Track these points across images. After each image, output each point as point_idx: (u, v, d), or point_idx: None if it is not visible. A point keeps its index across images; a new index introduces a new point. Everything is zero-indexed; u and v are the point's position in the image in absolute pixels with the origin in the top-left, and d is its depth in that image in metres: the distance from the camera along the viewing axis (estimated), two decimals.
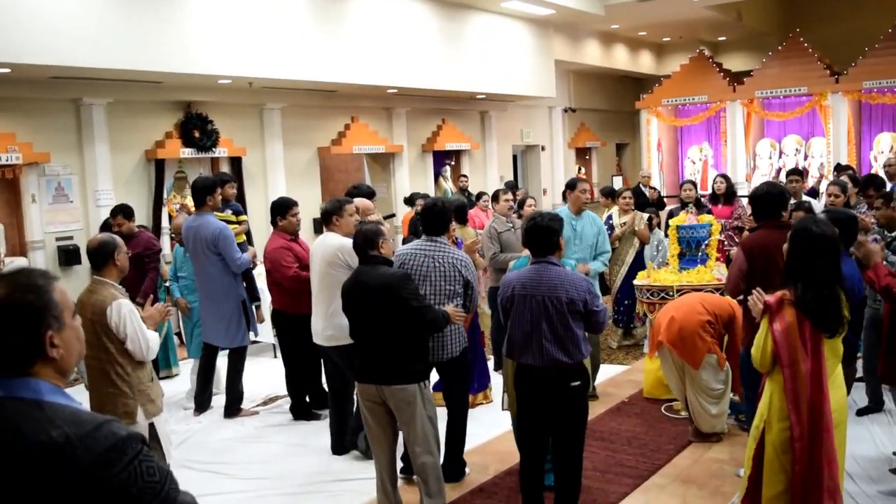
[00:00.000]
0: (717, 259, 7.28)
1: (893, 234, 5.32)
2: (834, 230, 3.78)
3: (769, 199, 4.89)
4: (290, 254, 6.37)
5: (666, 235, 7.64)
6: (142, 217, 9.74)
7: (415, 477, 4.79)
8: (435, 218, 5.15)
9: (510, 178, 16.51)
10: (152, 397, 4.34)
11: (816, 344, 3.63)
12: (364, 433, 5.71)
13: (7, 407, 1.69)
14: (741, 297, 4.60)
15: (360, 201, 6.29)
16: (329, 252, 5.56)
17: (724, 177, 9.91)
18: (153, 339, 4.32)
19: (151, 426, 4.28)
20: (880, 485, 4.97)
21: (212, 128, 10.41)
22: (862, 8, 16.89)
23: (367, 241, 4.62)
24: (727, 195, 9.51)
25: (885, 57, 14.38)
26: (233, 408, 6.95)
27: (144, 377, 4.32)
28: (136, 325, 4.21)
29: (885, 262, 4.52)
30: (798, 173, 9.29)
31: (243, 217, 8.14)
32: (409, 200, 11.38)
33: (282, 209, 6.53)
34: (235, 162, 10.92)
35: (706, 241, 7.20)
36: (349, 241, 5.47)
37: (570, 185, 7.22)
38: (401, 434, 4.74)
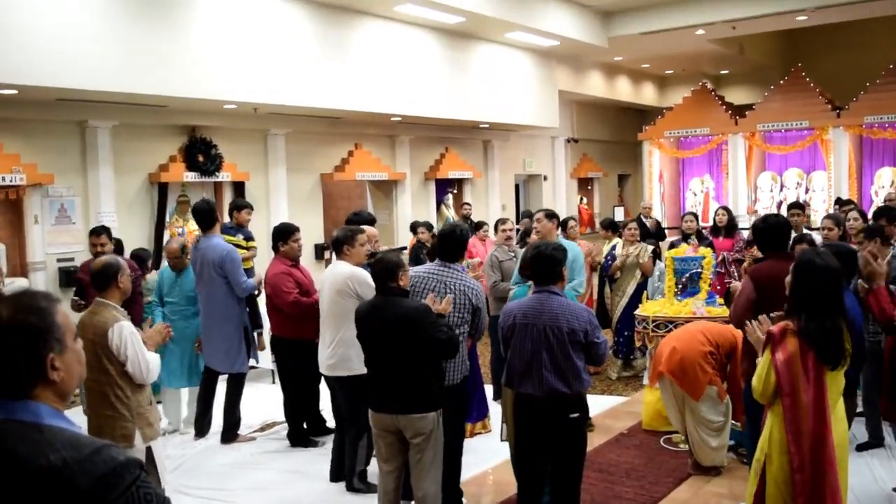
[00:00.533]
0: (713, 290, 7.28)
1: None
2: (836, 262, 3.79)
3: (776, 229, 4.90)
4: (290, 279, 6.37)
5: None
6: (144, 240, 9.77)
7: None
8: (452, 244, 5.14)
9: (512, 207, 16.57)
10: (150, 421, 4.33)
11: (819, 375, 3.62)
12: (357, 476, 5.69)
13: (6, 429, 1.69)
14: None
15: (369, 230, 6.28)
16: (339, 280, 5.51)
17: (726, 209, 9.93)
18: (154, 362, 4.32)
19: (148, 450, 4.26)
20: None
21: (216, 152, 10.46)
22: (863, 43, 17.04)
23: (387, 271, 4.54)
24: (728, 227, 9.53)
25: (886, 92, 14.48)
26: (230, 433, 6.90)
27: (143, 400, 4.31)
28: (137, 348, 4.21)
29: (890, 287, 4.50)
30: (799, 207, 9.29)
31: (253, 244, 8.21)
32: (412, 228, 11.40)
33: (284, 234, 6.53)
34: (238, 187, 10.95)
35: (700, 275, 7.22)
36: (360, 271, 5.50)
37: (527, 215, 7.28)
38: None
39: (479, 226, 10.95)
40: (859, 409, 6.03)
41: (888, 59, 14.98)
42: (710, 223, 10.43)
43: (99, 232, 7.14)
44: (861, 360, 4.56)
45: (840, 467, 3.65)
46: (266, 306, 6.74)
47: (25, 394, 1.73)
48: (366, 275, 5.43)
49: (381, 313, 4.49)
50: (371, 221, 6.95)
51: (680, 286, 7.22)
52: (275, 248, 6.59)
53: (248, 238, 7.97)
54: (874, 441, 6.06)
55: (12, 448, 1.65)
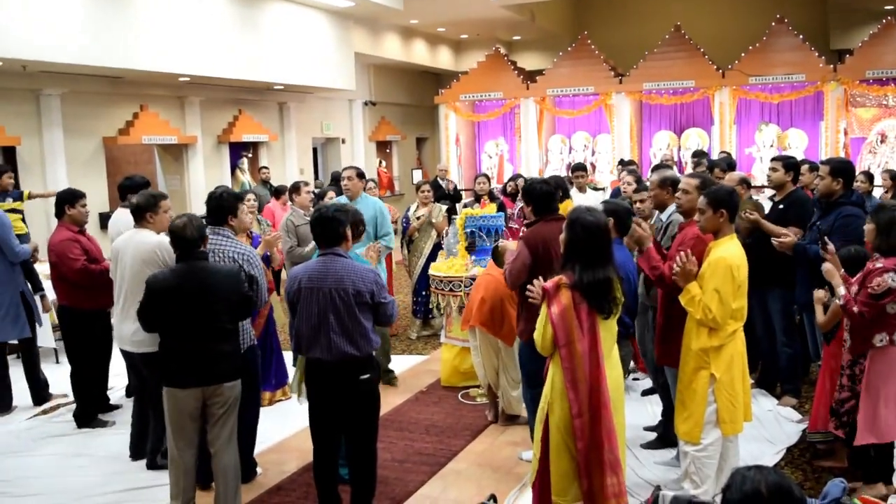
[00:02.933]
0: None
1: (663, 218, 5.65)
2: (605, 218, 4.02)
3: (544, 193, 5.09)
4: (77, 246, 5.99)
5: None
6: None
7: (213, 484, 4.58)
8: (218, 207, 5.02)
9: (310, 170, 16.33)
10: None
11: (592, 325, 3.83)
12: (161, 453, 5.44)
13: None
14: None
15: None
16: (145, 249, 5.11)
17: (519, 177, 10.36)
18: None
19: None
20: (656, 455, 5.35)
21: None
22: (644, 16, 18.18)
23: (202, 236, 4.38)
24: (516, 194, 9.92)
25: (662, 61, 15.51)
26: (41, 395, 6.79)
27: None
28: None
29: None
30: (582, 168, 9.87)
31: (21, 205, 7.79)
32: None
33: (71, 199, 6.16)
34: (9, 151, 10.10)
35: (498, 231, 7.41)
36: (167, 239, 5.15)
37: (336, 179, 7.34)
38: None
39: (279, 191, 10.68)
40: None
41: (665, 29, 16.03)
42: (501, 187, 10.77)
43: None
44: (635, 308, 4.88)
45: (616, 409, 3.89)
46: (50, 275, 6.28)
47: None
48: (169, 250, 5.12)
49: (193, 280, 4.28)
50: (145, 185, 6.50)
51: (468, 244, 7.39)
52: (59, 214, 6.16)
53: (18, 198, 7.48)
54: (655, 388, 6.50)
55: None
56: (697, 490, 4.36)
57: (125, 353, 5.50)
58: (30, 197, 9.37)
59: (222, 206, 5.06)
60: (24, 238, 6.75)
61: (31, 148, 10.39)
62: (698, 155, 11.04)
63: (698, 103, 15.85)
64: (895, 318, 4.44)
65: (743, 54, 15.04)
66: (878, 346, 4.49)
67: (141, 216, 5.30)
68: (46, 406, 6.90)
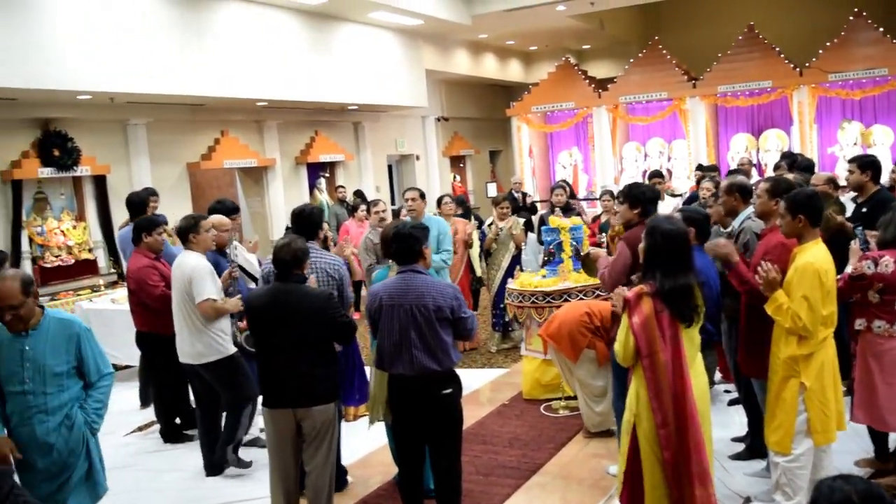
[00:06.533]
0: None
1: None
2: (684, 226, 4.00)
3: (651, 196, 5.18)
4: (156, 272, 6.22)
5: (540, 241, 7.80)
6: (0, 241, 9.25)
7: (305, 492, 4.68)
8: (304, 223, 5.20)
9: (386, 188, 16.53)
10: None
11: (675, 334, 3.80)
12: (233, 445, 5.67)
13: None
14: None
15: (214, 218, 6.18)
16: (185, 274, 5.51)
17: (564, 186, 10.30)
18: None
19: None
20: (745, 467, 5.24)
21: (72, 145, 9.95)
22: (716, 16, 17.84)
23: (296, 259, 4.42)
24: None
25: (737, 62, 15.22)
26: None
27: None
28: None
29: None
30: (660, 175, 9.77)
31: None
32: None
33: (149, 226, 6.38)
34: (99, 181, 10.49)
35: (581, 243, 7.36)
36: (202, 266, 5.49)
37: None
38: None
39: (355, 208, 10.88)
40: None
41: (738, 30, 15.73)
42: (581, 195, 10.69)
43: None
44: (718, 316, 4.81)
45: (702, 419, 3.84)
46: (129, 301, 6.52)
47: None
48: (203, 270, 5.48)
49: (284, 301, 4.35)
50: (234, 209, 6.78)
51: (546, 257, 7.37)
52: (136, 240, 6.39)
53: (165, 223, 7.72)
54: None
55: None
56: (790, 502, 4.27)
57: (187, 369, 5.74)
58: None
59: (312, 221, 5.27)
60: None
61: (120, 176, 10.80)
62: (785, 157, 10.60)
63: (776, 104, 15.48)
64: (876, 306, 4.57)
65: (820, 51, 14.65)
66: (856, 328, 4.69)
67: (185, 238, 5.64)
68: (142, 423, 7.17)
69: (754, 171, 12.51)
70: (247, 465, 5.78)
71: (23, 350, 3.96)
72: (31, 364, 3.96)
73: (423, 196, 7.61)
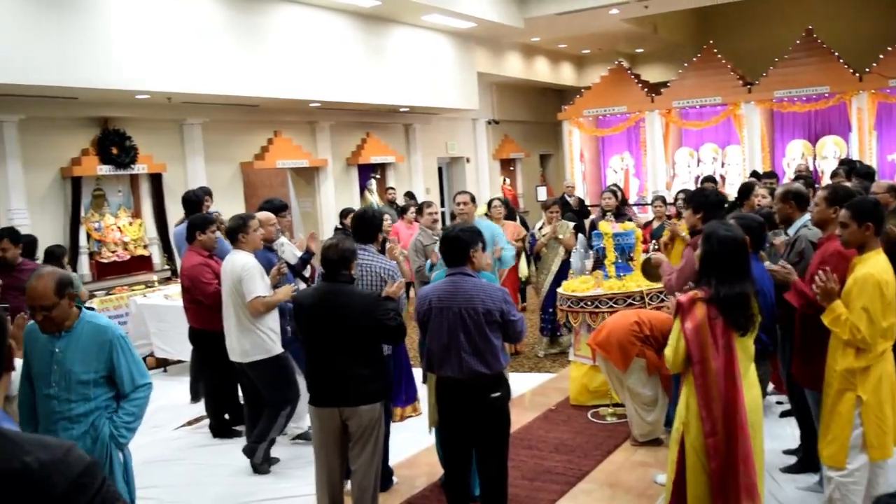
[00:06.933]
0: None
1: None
2: (741, 233, 3.93)
3: (716, 201, 5.19)
4: (209, 270, 6.30)
5: (590, 245, 7.73)
6: (58, 236, 9.47)
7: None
8: (365, 226, 5.25)
9: (436, 190, 16.56)
10: None
11: (728, 342, 3.73)
12: (265, 444, 5.75)
13: None
14: None
15: (260, 214, 6.27)
16: (235, 272, 5.61)
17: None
18: None
19: None
20: (798, 480, 5.14)
21: (130, 144, 10.18)
22: (772, 20, 17.54)
23: (344, 259, 4.44)
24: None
25: (794, 67, 14.94)
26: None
27: None
28: None
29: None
30: (712, 180, 9.64)
31: None
32: (343, 216, 11.34)
33: (202, 225, 6.46)
34: (155, 179, 10.70)
35: (633, 249, 7.31)
36: (250, 264, 5.58)
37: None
38: None
39: (405, 210, 10.94)
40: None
41: (795, 34, 15.45)
42: (632, 199, 10.59)
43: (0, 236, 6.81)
44: (773, 325, 4.72)
45: (754, 431, 3.76)
46: (183, 299, 6.62)
47: None
48: (253, 269, 5.57)
49: (331, 302, 4.38)
50: (282, 208, 6.89)
51: (595, 261, 7.32)
52: (190, 238, 6.49)
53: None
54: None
55: None
56: None
57: (237, 366, 5.83)
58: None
59: (373, 224, 5.32)
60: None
61: (175, 174, 11.01)
62: (843, 164, 10.30)
63: (834, 110, 15.13)
64: None
65: (881, 56, 14.30)
66: None
67: (234, 238, 5.71)
68: (191, 418, 7.28)
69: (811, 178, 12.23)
70: (274, 461, 5.88)
71: (53, 351, 3.73)
72: (59, 367, 3.72)
73: (473, 199, 7.59)
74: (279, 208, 6.75)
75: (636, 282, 6.98)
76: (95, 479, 1.60)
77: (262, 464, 5.80)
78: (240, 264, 5.59)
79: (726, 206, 5.99)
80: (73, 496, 1.56)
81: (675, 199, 9.04)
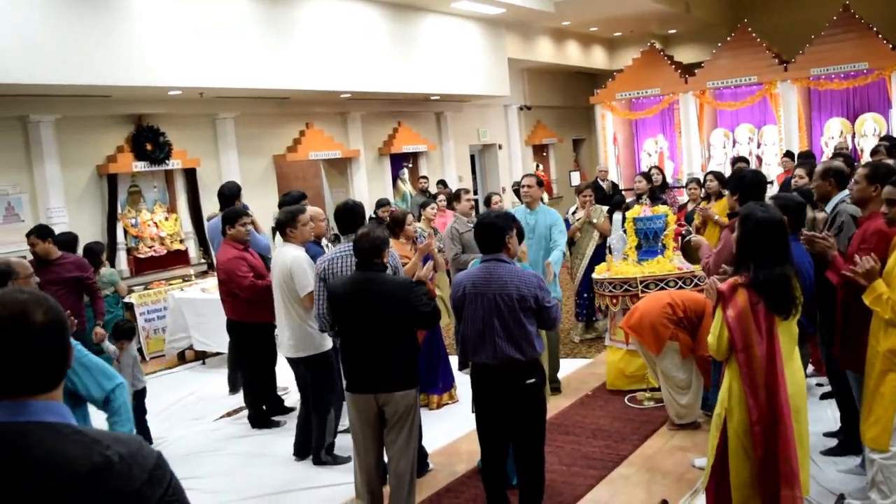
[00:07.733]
0: (674, 248, 7.32)
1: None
2: (780, 214, 3.84)
3: (755, 182, 5.07)
4: (244, 263, 6.34)
5: (623, 229, 7.66)
6: (96, 233, 9.61)
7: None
8: (347, 217, 5.28)
9: (468, 177, 16.53)
10: None
11: (770, 327, 3.65)
12: (325, 448, 5.77)
13: (41, 433, 1.57)
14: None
15: (311, 210, 6.28)
16: (285, 266, 5.61)
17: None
18: None
19: None
20: (839, 463, 5.06)
21: (164, 140, 10.28)
22: None
23: (375, 248, 4.47)
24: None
25: (831, 44, 14.64)
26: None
27: None
28: None
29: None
30: (744, 160, 9.58)
31: None
32: (378, 206, 11.36)
33: (233, 218, 6.51)
34: (190, 174, 10.79)
35: (664, 232, 7.23)
36: (301, 257, 5.59)
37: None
38: None
39: (434, 197, 10.93)
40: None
41: (832, 11, 15.15)
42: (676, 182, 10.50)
43: (28, 233, 6.93)
44: (812, 306, 4.63)
45: (798, 416, 3.69)
46: (219, 291, 6.68)
47: (49, 393, 1.64)
48: (302, 262, 5.56)
49: (366, 289, 4.40)
50: (300, 198, 6.91)
51: (637, 246, 7.25)
52: (223, 232, 6.55)
53: None
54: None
55: (59, 450, 1.55)
56: (886, 501, 4.10)
57: (288, 360, 5.83)
58: None
59: (396, 220, 5.59)
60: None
61: (209, 169, 11.11)
62: (884, 141, 9.99)
63: (873, 86, 14.82)
64: None
65: None
66: None
67: (283, 232, 5.73)
68: (230, 409, 7.36)
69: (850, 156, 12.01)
70: (344, 460, 5.72)
71: None
72: None
73: (540, 184, 7.35)
74: (297, 199, 6.79)
75: (661, 267, 6.93)
76: (166, 472, 1.63)
77: (334, 462, 5.77)
78: (290, 257, 5.59)
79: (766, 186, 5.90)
80: (150, 488, 1.58)
81: (704, 181, 8.89)
